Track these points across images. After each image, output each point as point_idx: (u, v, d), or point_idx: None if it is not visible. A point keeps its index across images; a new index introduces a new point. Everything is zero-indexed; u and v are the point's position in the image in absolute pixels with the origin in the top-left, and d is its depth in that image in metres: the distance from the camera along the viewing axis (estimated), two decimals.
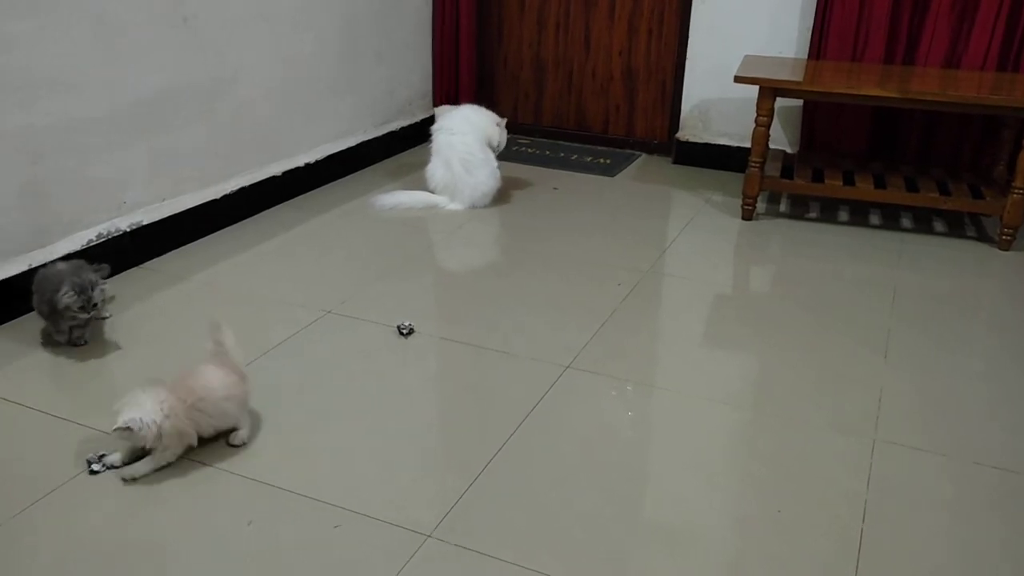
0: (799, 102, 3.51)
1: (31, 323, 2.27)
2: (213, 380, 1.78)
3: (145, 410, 1.66)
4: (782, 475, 1.78)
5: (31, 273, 2.30)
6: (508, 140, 3.41)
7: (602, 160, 3.89)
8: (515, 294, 2.56)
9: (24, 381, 2.02)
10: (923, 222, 3.24)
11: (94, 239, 2.48)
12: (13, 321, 2.28)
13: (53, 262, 2.23)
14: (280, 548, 1.53)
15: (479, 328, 2.34)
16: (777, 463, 1.82)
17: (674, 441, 1.89)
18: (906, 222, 3.24)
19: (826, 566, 1.53)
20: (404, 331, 2.28)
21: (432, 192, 3.25)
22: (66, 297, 2.04)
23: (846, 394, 2.08)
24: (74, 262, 2.21)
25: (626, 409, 1.99)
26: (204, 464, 1.75)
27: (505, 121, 3.33)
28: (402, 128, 3.85)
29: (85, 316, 2.08)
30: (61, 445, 1.79)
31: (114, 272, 2.55)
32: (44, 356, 2.13)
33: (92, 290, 2.06)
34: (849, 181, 3.16)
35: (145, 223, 2.64)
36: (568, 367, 2.15)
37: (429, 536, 1.57)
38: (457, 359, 2.20)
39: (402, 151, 3.87)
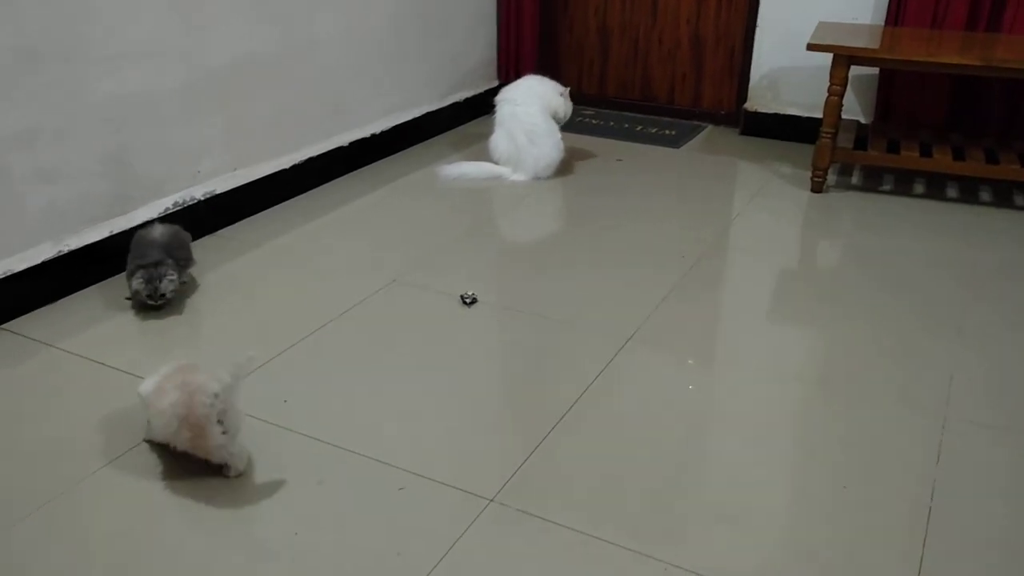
0: (875, 71, 3.40)
1: (115, 285, 2.37)
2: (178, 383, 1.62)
3: (150, 382, 1.68)
4: (848, 451, 1.76)
5: (113, 239, 2.40)
6: (572, 111, 3.38)
7: (667, 131, 3.84)
8: (577, 265, 2.56)
9: (107, 341, 2.11)
10: (1003, 196, 3.12)
11: (171, 207, 2.57)
12: (98, 284, 2.38)
13: (151, 223, 2.36)
14: (348, 507, 1.59)
15: (541, 298, 2.35)
16: (843, 439, 1.80)
17: (736, 415, 1.88)
18: (985, 196, 3.12)
19: (893, 543, 1.51)
20: (467, 300, 2.31)
21: (496, 163, 3.26)
22: (136, 282, 2.18)
23: (917, 371, 2.03)
24: (171, 228, 2.31)
25: (687, 383, 1.99)
26: (275, 425, 1.81)
27: (568, 90, 3.31)
28: (466, 99, 3.86)
29: (152, 303, 2.20)
30: (140, 404, 1.87)
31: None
32: (126, 318, 2.23)
33: (160, 282, 2.18)
34: (926, 153, 3.06)
35: (219, 192, 2.72)
36: (630, 339, 2.15)
37: (491, 500, 1.60)
38: (519, 329, 2.22)
39: (466, 122, 3.88)
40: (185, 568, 1.45)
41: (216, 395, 1.55)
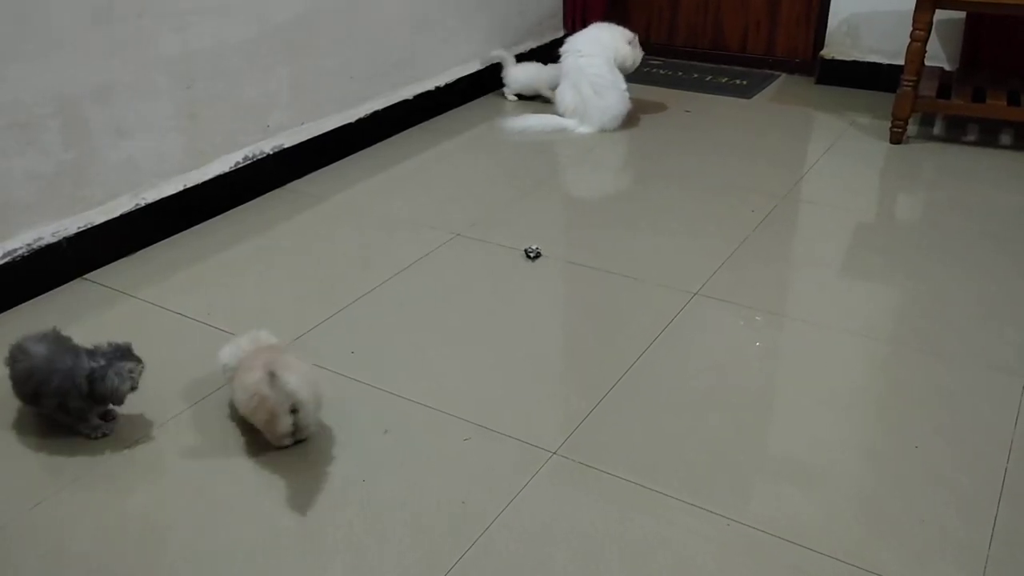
0: (961, 15, 3.22)
1: (188, 239, 2.44)
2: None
3: (230, 351, 1.70)
4: (922, 410, 1.71)
5: (188, 192, 2.45)
6: (640, 59, 3.30)
7: (738, 81, 3.72)
8: (644, 219, 2.53)
9: (183, 291, 2.18)
10: None
11: (241, 161, 2.62)
12: (174, 236, 2.45)
13: (20, 345, 1.67)
14: (414, 456, 1.62)
15: (607, 252, 2.33)
16: (917, 398, 1.75)
17: (806, 372, 1.84)
18: None
19: (964, 504, 1.48)
20: (531, 255, 2.30)
21: (561, 115, 3.22)
22: (123, 384, 1.62)
23: (999, 330, 1.95)
24: (49, 337, 1.68)
25: (755, 339, 1.95)
26: (342, 375, 1.85)
27: (636, 37, 3.22)
28: (531, 50, 3.80)
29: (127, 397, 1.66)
30: (216, 351, 1.93)
31: (258, 193, 2.69)
32: (200, 269, 2.29)
33: (138, 362, 1.67)
34: (1014, 101, 2.90)
35: (287, 146, 2.76)
36: (696, 294, 2.12)
37: (554, 453, 1.62)
38: (584, 283, 2.21)
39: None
40: (254, 512, 1.50)
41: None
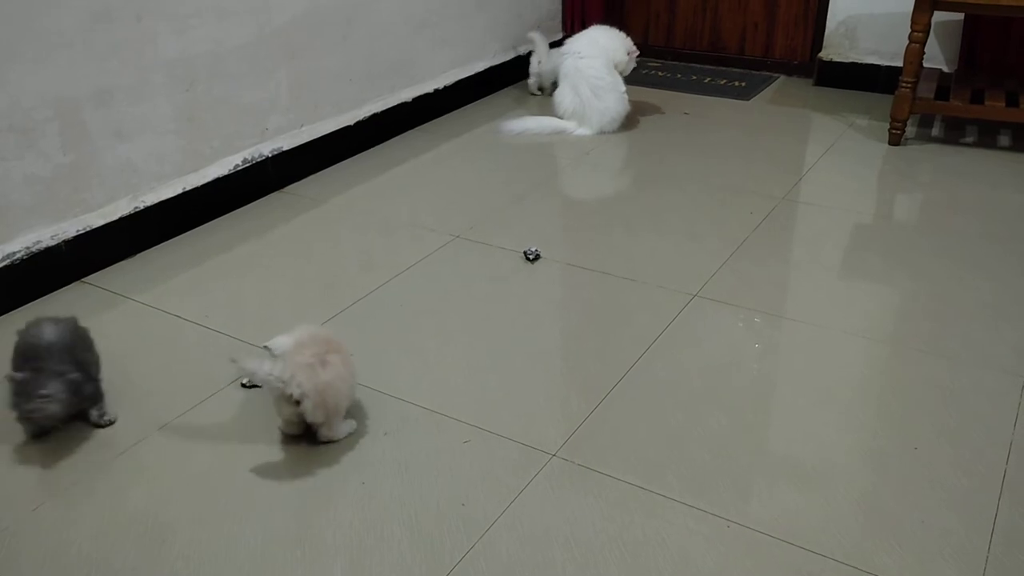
0: (959, 16, 3.23)
1: (186, 241, 2.44)
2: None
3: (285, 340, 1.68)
4: (921, 411, 1.71)
5: (187, 195, 2.45)
6: (638, 63, 3.31)
7: (737, 83, 3.72)
8: (643, 221, 2.53)
9: (180, 295, 2.18)
10: None
11: (240, 164, 2.62)
12: (172, 239, 2.45)
13: (40, 322, 1.70)
14: (413, 458, 1.62)
15: (606, 254, 2.33)
16: (917, 399, 1.75)
17: (805, 373, 1.85)
18: None
19: (964, 505, 1.48)
20: (531, 257, 2.30)
21: (560, 117, 3.22)
22: (33, 409, 1.61)
23: (999, 330, 1.96)
24: (65, 325, 1.72)
25: (755, 340, 1.95)
26: None
27: (638, 53, 3.23)
28: (530, 52, 3.80)
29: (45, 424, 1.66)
30: (214, 354, 1.93)
31: (257, 196, 2.69)
32: (199, 272, 2.29)
33: (49, 399, 1.60)
34: (1012, 103, 2.90)
35: (285, 148, 2.76)
36: (696, 295, 2.12)
37: (554, 455, 1.61)
38: (583, 285, 2.21)
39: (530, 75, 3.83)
40: (254, 514, 1.50)
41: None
